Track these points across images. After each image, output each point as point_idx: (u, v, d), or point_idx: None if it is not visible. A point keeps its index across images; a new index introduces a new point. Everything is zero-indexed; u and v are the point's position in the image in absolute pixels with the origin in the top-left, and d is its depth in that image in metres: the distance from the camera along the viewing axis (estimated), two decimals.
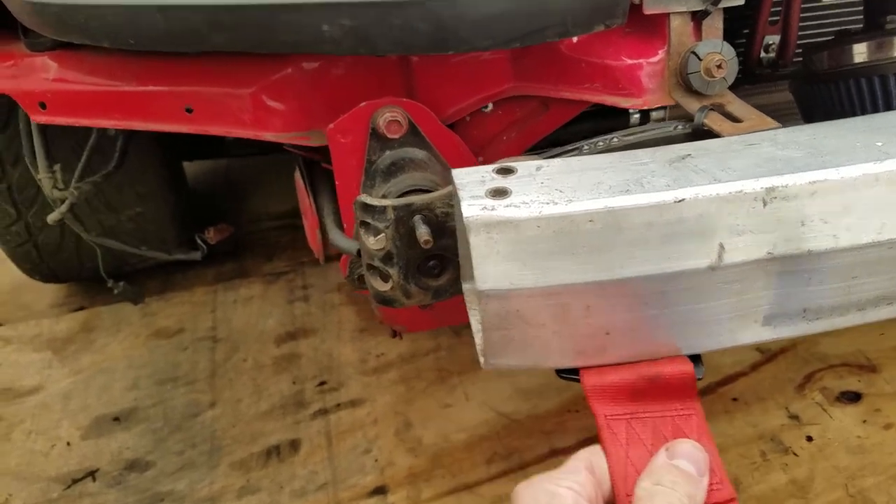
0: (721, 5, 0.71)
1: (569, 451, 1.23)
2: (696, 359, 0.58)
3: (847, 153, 0.57)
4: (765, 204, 0.55)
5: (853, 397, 1.26)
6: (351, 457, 1.25)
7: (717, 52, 0.70)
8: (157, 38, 0.66)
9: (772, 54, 0.97)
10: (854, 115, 0.93)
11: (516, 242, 0.54)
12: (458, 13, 0.64)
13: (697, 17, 0.72)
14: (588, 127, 0.98)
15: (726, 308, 0.57)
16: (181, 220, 1.61)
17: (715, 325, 0.57)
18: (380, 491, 1.18)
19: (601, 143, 0.71)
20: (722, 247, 0.54)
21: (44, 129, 1.03)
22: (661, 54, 0.74)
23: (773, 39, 1.00)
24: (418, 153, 0.78)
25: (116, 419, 1.39)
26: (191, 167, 1.95)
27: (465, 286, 0.69)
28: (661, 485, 0.49)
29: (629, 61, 0.74)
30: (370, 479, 1.20)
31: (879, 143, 0.58)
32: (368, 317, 1.60)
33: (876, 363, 1.33)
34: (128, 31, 0.65)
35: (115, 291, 1.43)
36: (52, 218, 1.07)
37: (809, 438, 1.19)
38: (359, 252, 0.76)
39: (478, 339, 0.61)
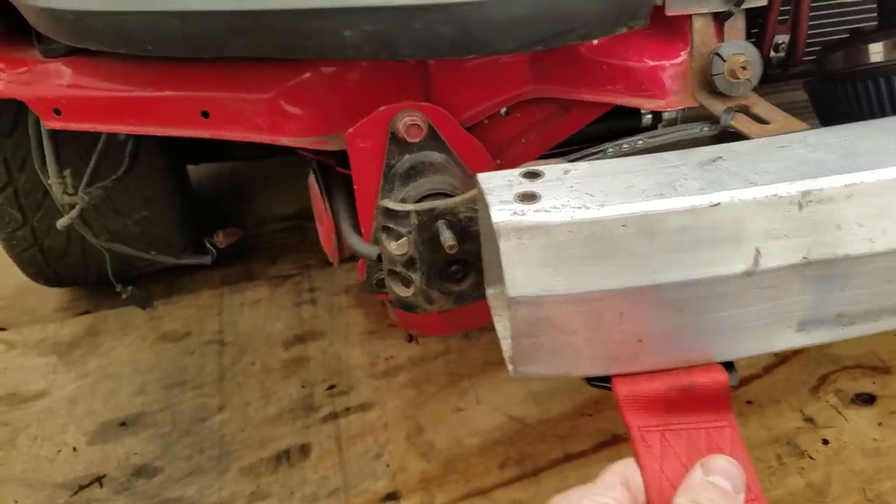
0: (744, 6, 0.70)
1: (583, 455, 1.24)
2: (728, 366, 0.58)
3: (881, 155, 0.57)
4: (800, 207, 0.54)
5: (868, 399, 1.25)
6: (362, 462, 1.24)
7: (741, 54, 0.69)
8: (175, 44, 0.65)
9: (781, 54, 0.97)
10: (872, 115, 0.93)
11: (547, 248, 0.53)
12: (483, 17, 0.63)
13: (720, 19, 0.72)
14: (599, 129, 0.97)
15: (761, 314, 0.56)
16: (187, 223, 1.60)
17: (749, 332, 0.56)
18: (392, 497, 1.17)
19: (626, 146, 0.70)
20: (758, 251, 0.54)
21: (54, 134, 1.02)
22: (683, 56, 0.73)
23: (783, 39, 0.99)
24: (437, 157, 0.78)
25: (123, 424, 1.38)
26: (195, 170, 1.94)
27: (489, 291, 0.68)
28: (698, 502, 0.48)
29: (651, 63, 0.73)
30: (382, 484, 1.19)
31: None
32: (377, 319, 1.59)
33: (890, 365, 1.32)
34: (146, 38, 0.64)
35: (124, 296, 1.42)
36: (61, 223, 1.06)
37: (825, 441, 1.18)
38: (379, 257, 0.75)
39: (505, 346, 0.60)
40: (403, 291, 0.71)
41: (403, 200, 0.76)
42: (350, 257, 0.87)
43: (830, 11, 1.05)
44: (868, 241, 0.54)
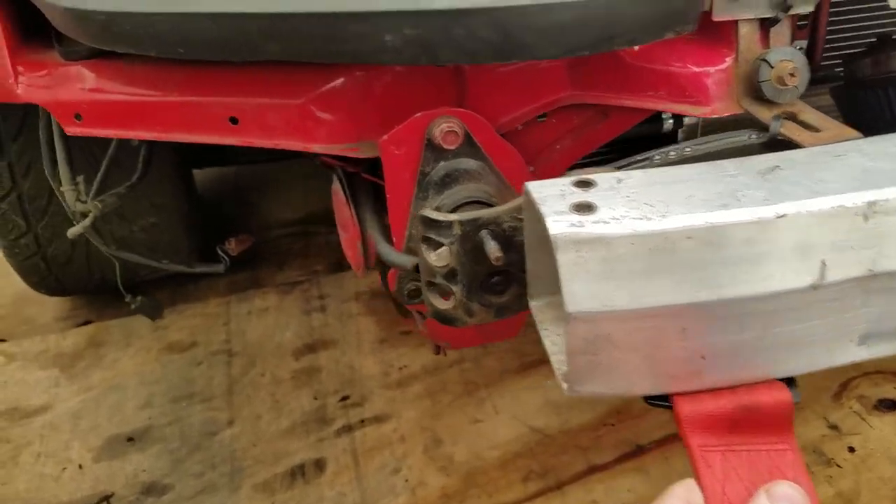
0: (791, 12, 0.69)
1: (607, 467, 1.22)
2: (789, 382, 0.56)
3: None
4: (866, 218, 0.52)
5: (891, 405, 1.24)
6: (380, 477, 1.21)
7: (789, 60, 0.68)
8: (208, 46, 0.62)
9: None
10: None
11: (607, 261, 0.51)
12: (527, 22, 0.61)
13: (766, 25, 0.70)
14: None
15: (824, 328, 0.54)
16: (194, 229, 1.56)
17: (812, 347, 0.55)
18: None
19: (673, 154, 0.68)
20: (824, 264, 0.52)
21: (67, 139, 0.99)
22: (728, 62, 0.71)
23: (801, 45, 0.98)
24: (472, 164, 0.75)
25: (130, 439, 1.34)
26: (198, 175, 1.90)
27: (534, 304, 0.66)
28: None
29: (696, 69, 0.71)
30: (402, 500, 1.16)
31: None
32: (388, 327, 1.56)
33: None
34: (177, 40, 0.62)
35: (133, 306, 1.38)
36: (73, 232, 1.03)
37: (851, 449, 1.17)
38: (416, 268, 0.72)
39: (558, 363, 0.58)
40: (442, 304, 0.68)
41: (438, 209, 0.73)
42: (380, 267, 0.84)
43: (849, 17, 1.05)
44: None
